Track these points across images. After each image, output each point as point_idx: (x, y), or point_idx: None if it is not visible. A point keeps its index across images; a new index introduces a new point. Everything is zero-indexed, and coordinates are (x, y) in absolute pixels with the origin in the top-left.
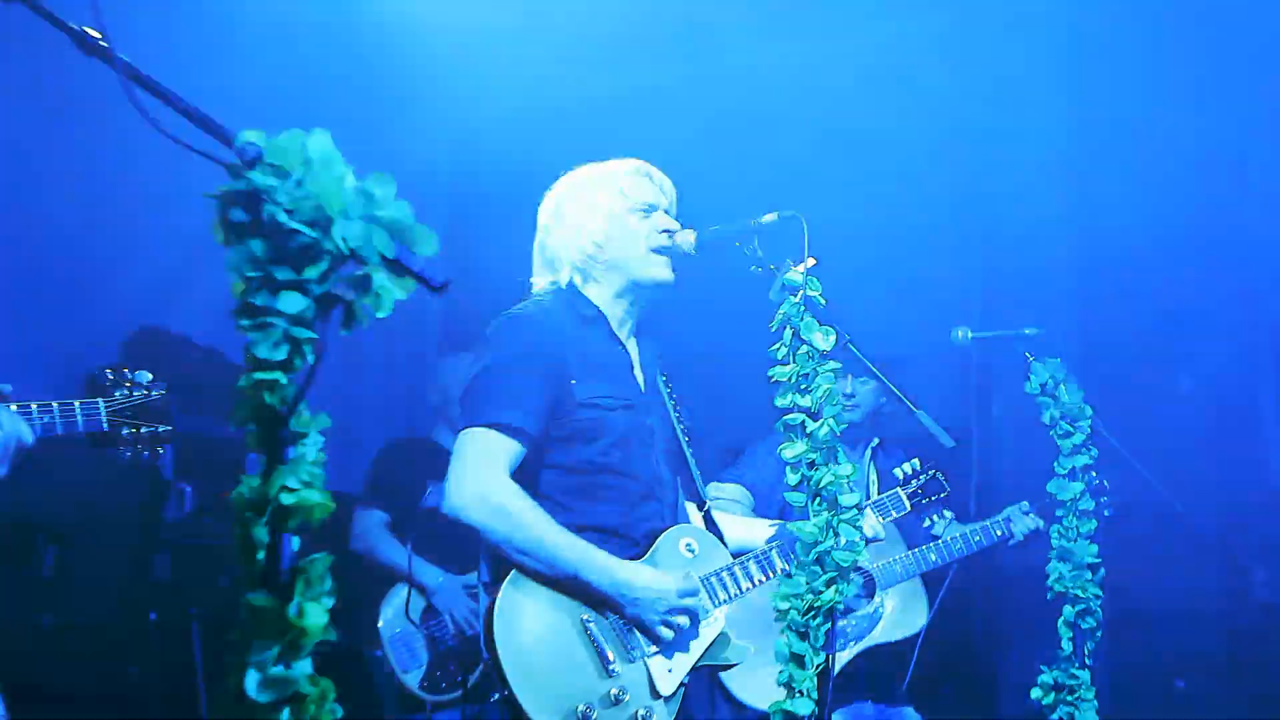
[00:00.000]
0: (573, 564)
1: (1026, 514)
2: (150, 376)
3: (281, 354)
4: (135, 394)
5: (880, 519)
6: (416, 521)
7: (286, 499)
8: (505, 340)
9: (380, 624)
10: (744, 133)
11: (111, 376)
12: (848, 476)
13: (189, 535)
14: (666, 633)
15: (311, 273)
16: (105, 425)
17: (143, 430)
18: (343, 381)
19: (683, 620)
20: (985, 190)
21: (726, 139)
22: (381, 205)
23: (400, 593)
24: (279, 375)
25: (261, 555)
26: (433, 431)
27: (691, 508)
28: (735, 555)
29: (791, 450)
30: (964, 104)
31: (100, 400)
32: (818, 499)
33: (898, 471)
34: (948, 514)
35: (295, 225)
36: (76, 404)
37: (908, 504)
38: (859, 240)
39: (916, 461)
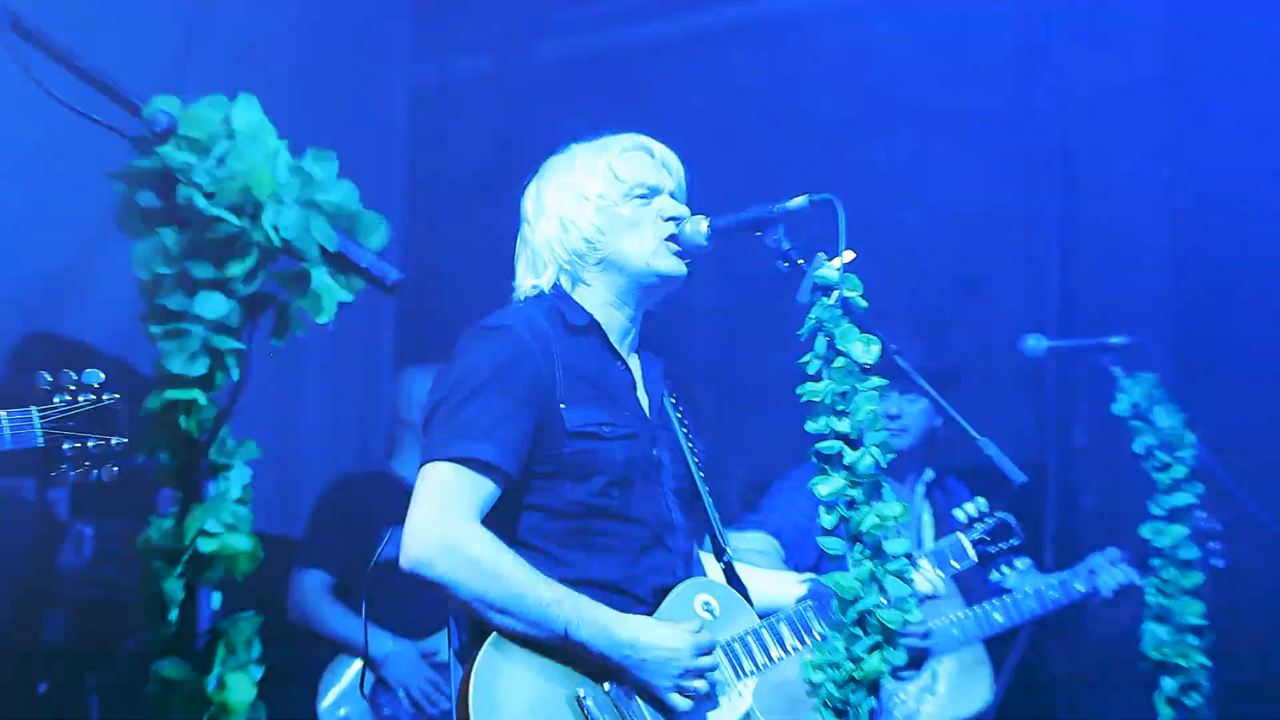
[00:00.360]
0: (562, 621)
1: (1115, 565)
2: (103, 377)
3: (200, 368)
4: (81, 399)
5: (938, 571)
6: (371, 578)
7: (205, 545)
8: (477, 356)
9: (322, 703)
10: (768, 97)
11: (50, 380)
12: (895, 518)
13: (88, 588)
14: (680, 701)
15: (236, 269)
16: (40, 439)
17: (90, 445)
18: (277, 401)
19: (699, 684)
20: (1063, 167)
21: (746, 105)
22: (322, 187)
23: (347, 662)
24: (197, 394)
25: (174, 614)
26: (390, 461)
27: (709, 558)
28: (763, 616)
29: (827, 486)
30: (1035, 64)
31: (34, 409)
32: (859, 545)
33: (959, 513)
34: (1020, 562)
35: (217, 211)
36: (2, 416)
37: (971, 553)
38: (907, 229)
39: (983, 500)
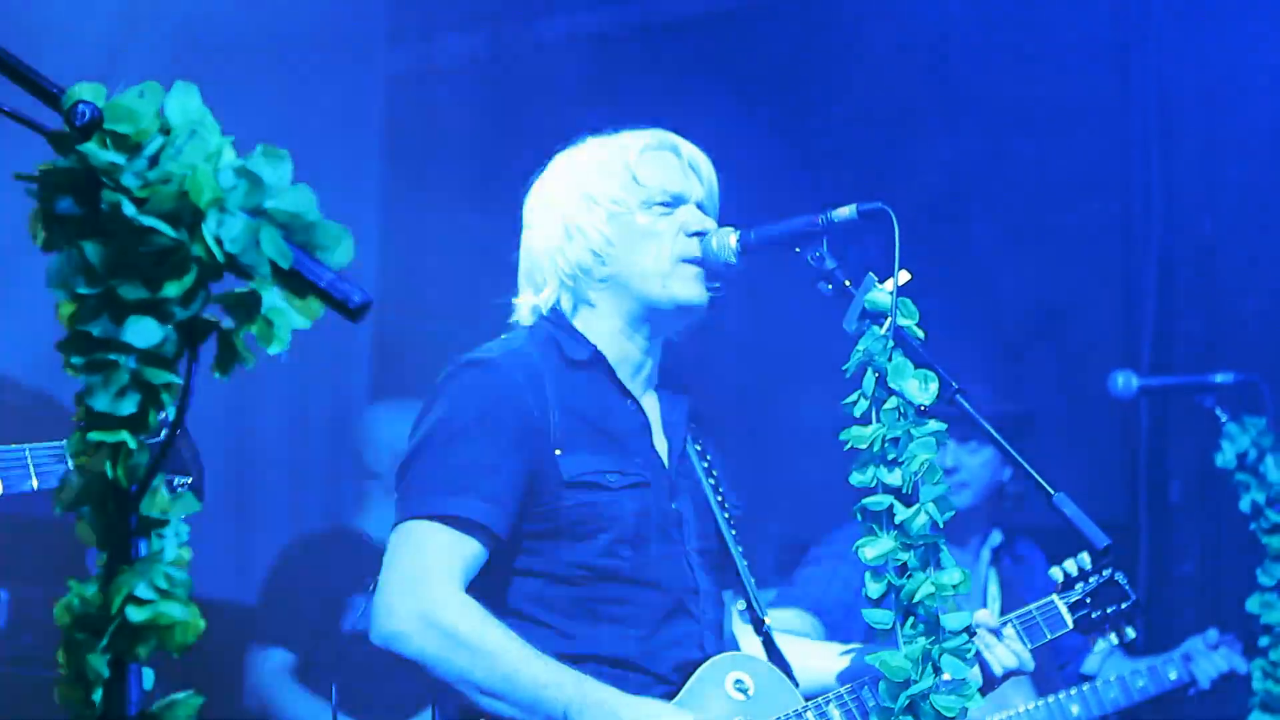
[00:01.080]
0: (562, 705)
1: (1215, 647)
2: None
3: (129, 406)
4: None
5: (1025, 643)
6: (339, 656)
7: (135, 614)
8: (457, 396)
9: None
10: (809, 84)
11: None
12: (955, 587)
13: (3, 662)
14: None
15: (172, 289)
16: (35, 482)
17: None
18: (224, 446)
19: None
20: (1163, 173)
21: (784, 93)
22: (274, 192)
23: None
24: (125, 437)
25: (99, 695)
26: (357, 516)
27: (744, 629)
28: (810, 697)
29: (874, 548)
30: (1132, 48)
31: (26, 449)
32: (911, 619)
33: (1056, 571)
34: (1102, 643)
35: (149, 221)
36: None
37: (1069, 620)
38: (975, 244)
39: (1086, 557)
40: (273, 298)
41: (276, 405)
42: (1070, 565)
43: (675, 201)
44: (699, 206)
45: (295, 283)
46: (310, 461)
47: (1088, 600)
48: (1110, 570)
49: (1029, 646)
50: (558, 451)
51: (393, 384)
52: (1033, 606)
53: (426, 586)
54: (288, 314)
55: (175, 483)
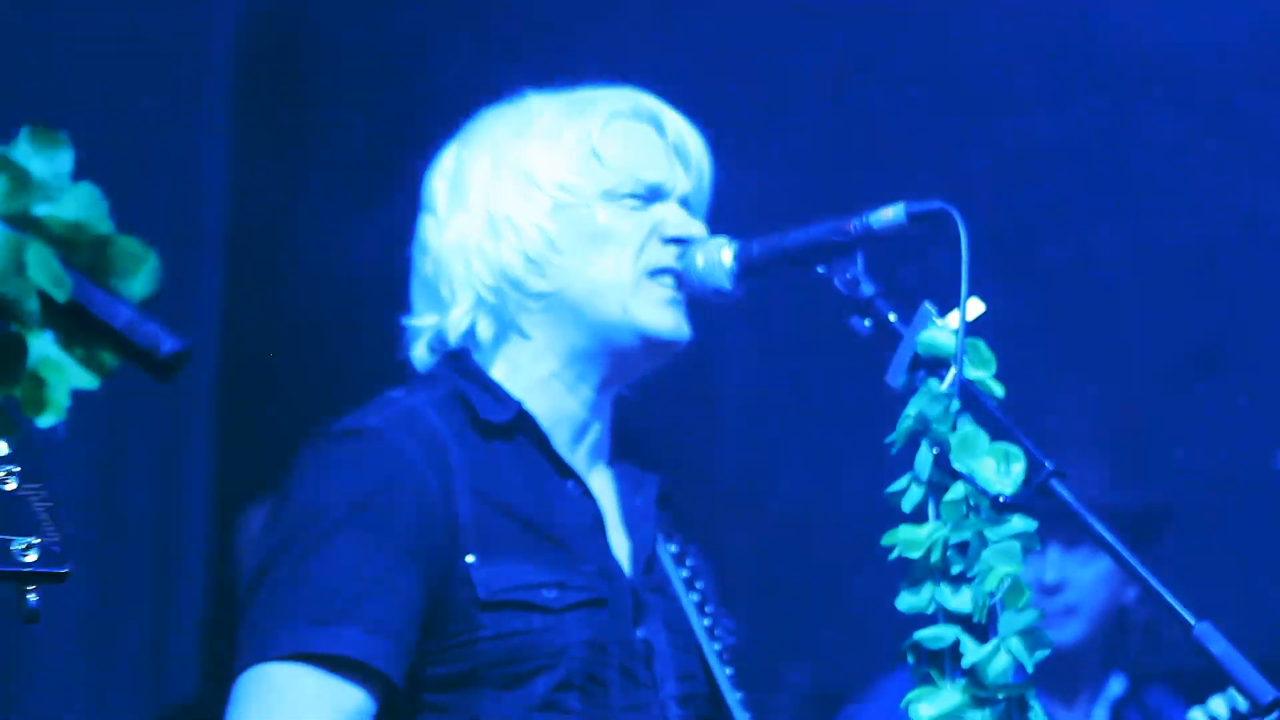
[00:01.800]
0: None
1: None
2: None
3: None
4: None
5: None
6: None
7: None
8: (324, 482)
9: None
10: (854, 40)
11: None
12: None
13: None
14: None
15: None
16: None
17: None
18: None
19: None
20: None
21: (812, 51)
22: (46, 192)
23: None
24: None
25: None
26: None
27: None
28: None
29: (934, 705)
30: None
31: None
32: None
33: (1198, 714)
34: None
35: None
36: None
37: None
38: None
39: (1239, 698)
40: (43, 345)
41: (66, 504)
42: (1218, 707)
43: (651, 195)
44: (683, 204)
45: (78, 324)
46: (118, 597)
47: None
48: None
49: None
50: (470, 558)
51: (242, 472)
52: None
53: None
54: (66, 369)
55: (30, 545)
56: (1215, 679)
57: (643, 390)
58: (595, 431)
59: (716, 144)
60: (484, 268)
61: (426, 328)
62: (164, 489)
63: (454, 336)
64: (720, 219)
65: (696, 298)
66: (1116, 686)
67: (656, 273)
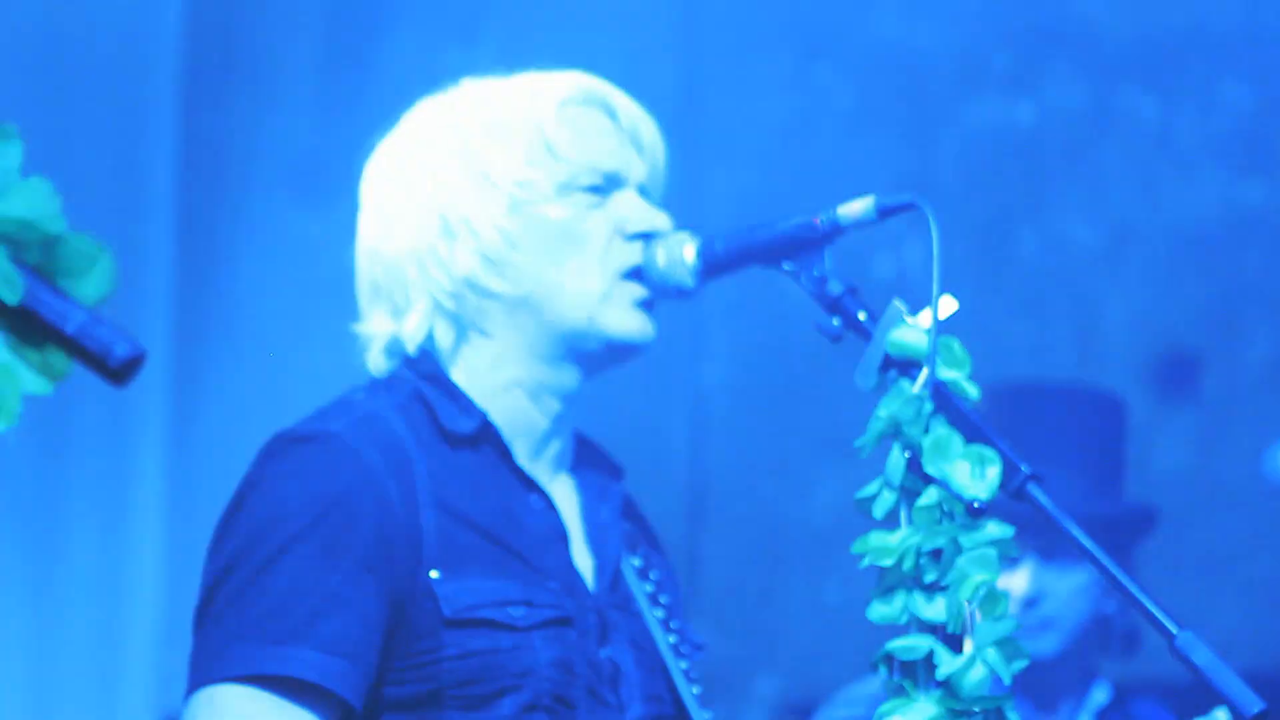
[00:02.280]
0: None
1: None
2: None
3: None
4: None
5: None
6: None
7: None
8: (282, 489)
9: None
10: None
11: None
12: None
13: None
14: None
15: None
16: None
17: None
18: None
19: None
20: None
21: (776, 46)
22: None
23: None
24: None
25: None
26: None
27: None
28: None
29: (909, 717)
30: None
31: None
32: None
33: None
34: None
35: None
36: None
37: None
38: (1066, 255)
39: (1224, 716)
40: None
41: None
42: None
43: (608, 184)
44: (641, 192)
45: (28, 326)
46: (72, 621)
47: None
48: None
49: None
50: (434, 574)
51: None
52: None
53: None
54: (16, 373)
55: None
56: (1200, 692)
57: (603, 395)
58: (557, 440)
59: (676, 133)
60: (441, 273)
61: (380, 334)
62: (123, 511)
63: (412, 345)
64: (681, 212)
65: (657, 295)
66: (1100, 695)
67: (628, 275)
